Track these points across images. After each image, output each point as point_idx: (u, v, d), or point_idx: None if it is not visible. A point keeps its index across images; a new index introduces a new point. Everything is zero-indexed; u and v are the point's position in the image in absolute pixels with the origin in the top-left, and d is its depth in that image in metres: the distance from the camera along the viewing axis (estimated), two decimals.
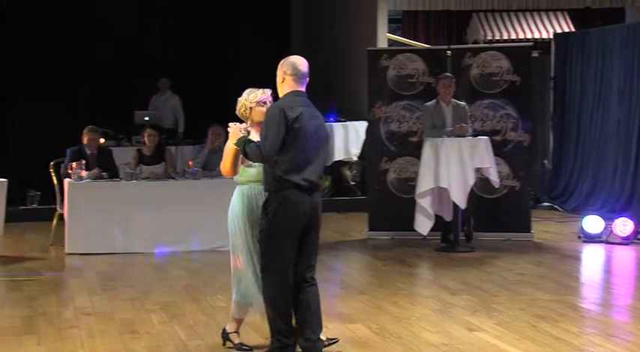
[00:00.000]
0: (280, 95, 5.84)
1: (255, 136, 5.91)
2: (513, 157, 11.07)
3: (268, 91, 6.11)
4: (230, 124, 5.91)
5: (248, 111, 6.09)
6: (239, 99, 6.17)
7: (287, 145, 5.58)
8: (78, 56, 15.08)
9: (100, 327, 6.94)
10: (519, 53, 11.40)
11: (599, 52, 13.37)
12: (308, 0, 17.32)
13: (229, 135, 5.91)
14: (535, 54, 12.83)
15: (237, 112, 6.16)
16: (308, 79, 5.83)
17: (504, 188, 10.93)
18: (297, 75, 5.77)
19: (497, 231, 10.86)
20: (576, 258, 10.04)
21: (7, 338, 6.64)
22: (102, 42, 15.12)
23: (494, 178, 10.35)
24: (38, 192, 12.91)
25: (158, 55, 15.51)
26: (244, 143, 5.71)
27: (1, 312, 7.51)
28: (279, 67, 5.86)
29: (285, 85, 5.80)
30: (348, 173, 14.55)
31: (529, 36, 16.25)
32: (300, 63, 5.83)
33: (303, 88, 5.80)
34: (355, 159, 14.35)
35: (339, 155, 14.28)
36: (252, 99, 6.09)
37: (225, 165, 6.07)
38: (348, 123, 14.36)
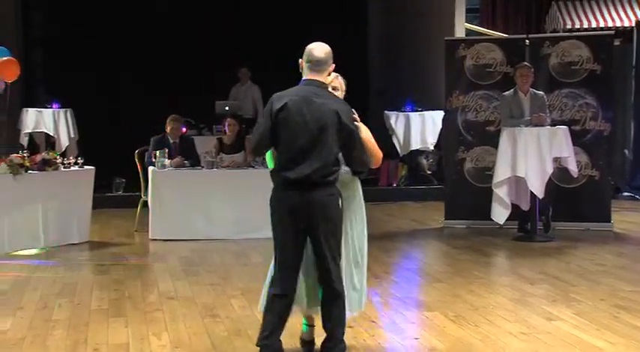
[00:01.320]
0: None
1: None
2: (593, 147, 10.91)
3: (335, 75, 5.54)
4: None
5: None
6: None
7: (277, 138, 5.19)
8: (160, 49, 15.25)
9: (182, 311, 7.01)
10: (600, 42, 11.21)
11: None
12: None
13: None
14: (616, 42, 12.59)
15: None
16: (329, 66, 5.33)
17: (583, 178, 10.79)
18: (311, 61, 5.31)
19: (576, 221, 10.72)
20: None
21: (97, 319, 6.75)
22: (184, 35, 15.27)
23: (572, 168, 10.22)
24: (123, 180, 13.11)
25: (238, 46, 15.58)
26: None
27: (91, 295, 7.64)
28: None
29: (303, 73, 5.38)
30: (424, 162, 14.49)
31: (610, 24, 15.93)
32: (316, 48, 5.33)
33: (319, 76, 5.30)
34: (432, 148, 14.29)
35: (415, 144, 14.25)
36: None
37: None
38: (425, 112, 14.29)
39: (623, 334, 6.22)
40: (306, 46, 5.28)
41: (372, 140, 5.52)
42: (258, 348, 5.18)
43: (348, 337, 5.58)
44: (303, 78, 5.33)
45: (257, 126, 5.37)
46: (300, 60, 5.35)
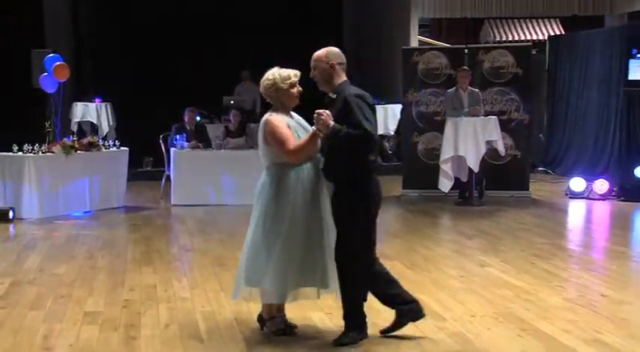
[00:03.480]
0: (331, 84, 4.63)
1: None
2: (516, 132, 10.92)
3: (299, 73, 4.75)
4: (320, 112, 4.45)
5: (277, 92, 4.67)
6: (265, 75, 4.72)
7: None
8: (179, 53, 15.19)
9: (197, 261, 7.01)
10: (521, 51, 11.22)
11: (584, 50, 13.13)
12: (357, 8, 17.18)
13: (320, 123, 4.43)
14: (533, 52, 12.60)
15: (262, 89, 4.73)
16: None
17: (509, 156, 10.80)
18: (344, 64, 4.70)
19: (503, 190, 10.74)
20: (564, 211, 9.90)
21: (132, 267, 6.75)
22: (199, 43, 15.19)
23: (501, 149, 10.23)
24: (151, 158, 13.06)
25: (240, 52, 15.52)
26: (340, 130, 4.41)
27: (127, 248, 7.64)
28: (320, 59, 4.64)
29: (335, 74, 4.62)
30: (387, 144, 14.46)
31: (529, 37, 15.97)
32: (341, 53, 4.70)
33: None
34: (392, 133, 14.26)
35: (379, 131, 14.19)
36: (286, 79, 4.67)
37: (302, 152, 4.52)
38: (387, 105, 14.24)
39: (537, 276, 6.27)
40: (309, 51, 4.72)
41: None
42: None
43: None
44: (342, 78, 4.63)
45: (360, 114, 4.43)
46: (331, 62, 4.60)
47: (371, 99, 4.58)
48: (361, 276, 4.60)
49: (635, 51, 10.49)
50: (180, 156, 10.50)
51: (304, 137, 4.56)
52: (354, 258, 4.54)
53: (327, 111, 4.46)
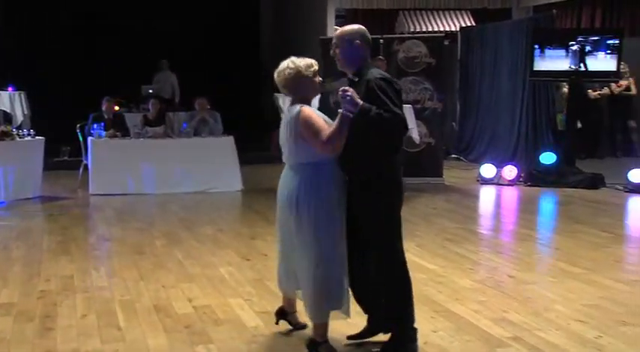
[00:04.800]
0: (354, 66, 4.13)
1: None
2: (430, 120, 11.06)
3: None
4: (346, 88, 3.86)
5: (300, 82, 4.09)
6: (284, 65, 4.13)
7: None
8: (96, 41, 14.87)
9: (116, 249, 6.88)
10: (434, 42, 11.34)
11: (492, 41, 13.41)
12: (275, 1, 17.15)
13: (347, 101, 3.82)
14: (446, 42, 12.79)
15: (280, 82, 4.13)
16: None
17: (423, 144, 10.94)
18: (369, 43, 4.18)
19: (418, 176, 10.86)
20: (476, 196, 10.12)
21: (48, 257, 6.56)
22: (117, 32, 14.90)
23: (415, 136, 10.37)
24: (68, 147, 12.72)
25: (159, 41, 15.28)
26: (370, 109, 3.85)
27: (43, 238, 7.42)
28: (344, 36, 4.12)
29: (360, 55, 4.13)
30: None
31: (441, 28, 16.21)
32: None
33: None
34: None
35: None
36: (310, 67, 4.12)
37: (338, 140, 3.88)
38: None
39: (449, 259, 6.40)
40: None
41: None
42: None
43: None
44: (365, 60, 4.14)
45: (388, 99, 3.92)
46: (357, 41, 4.10)
47: (398, 84, 4.10)
48: (404, 273, 4.12)
49: (538, 45, 10.78)
50: (98, 145, 10.27)
51: (334, 123, 3.92)
52: (396, 253, 4.08)
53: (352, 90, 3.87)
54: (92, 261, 6.47)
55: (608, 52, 10.45)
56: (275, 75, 4.13)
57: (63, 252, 6.75)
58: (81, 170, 10.74)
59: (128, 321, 4.79)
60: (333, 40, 4.19)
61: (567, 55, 10.58)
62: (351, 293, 4.21)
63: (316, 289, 4.04)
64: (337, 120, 3.88)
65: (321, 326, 4.13)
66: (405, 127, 3.97)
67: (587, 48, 10.54)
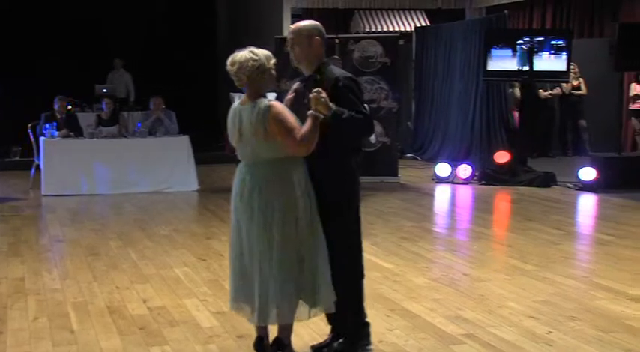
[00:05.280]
0: (314, 63, 3.99)
1: None
2: (385, 120, 11.11)
3: None
4: (320, 90, 3.75)
5: (263, 74, 3.85)
6: (246, 56, 3.83)
7: None
8: (49, 40, 14.63)
9: (69, 251, 6.77)
10: (389, 41, 11.40)
11: (446, 41, 13.51)
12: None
13: (320, 104, 3.74)
14: (401, 42, 12.87)
15: (241, 73, 3.83)
16: None
17: (379, 143, 10.98)
18: (325, 39, 4.05)
19: (374, 175, 10.92)
20: (431, 195, 10.19)
21: None
22: (70, 30, 14.69)
23: (371, 136, 10.40)
24: (20, 148, 12.49)
25: (113, 40, 15.11)
26: (343, 112, 3.80)
27: None
28: (302, 33, 3.96)
29: (320, 52, 4.01)
30: None
31: (397, 28, 16.29)
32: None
33: None
34: None
35: None
36: (270, 59, 3.89)
37: (312, 140, 3.77)
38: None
39: (405, 258, 6.43)
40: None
41: None
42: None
43: None
44: (324, 57, 4.04)
45: (357, 99, 3.93)
46: (317, 38, 3.97)
47: (361, 82, 4.07)
48: (359, 269, 4.08)
49: (490, 45, 10.91)
50: (51, 145, 10.10)
51: (306, 124, 3.76)
52: (353, 248, 4.05)
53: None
54: (44, 262, 6.36)
55: (552, 52, 10.64)
56: (233, 66, 3.83)
57: (14, 254, 6.62)
58: (33, 170, 10.54)
59: (81, 323, 4.72)
60: (290, 36, 4.00)
61: (514, 55, 10.74)
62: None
63: (288, 287, 3.82)
64: (309, 121, 3.76)
65: (290, 326, 3.98)
66: (373, 128, 3.99)
67: (534, 48, 10.69)
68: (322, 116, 3.75)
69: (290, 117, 3.80)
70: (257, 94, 3.88)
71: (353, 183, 4.02)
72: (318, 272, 3.87)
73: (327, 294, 3.89)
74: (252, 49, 3.88)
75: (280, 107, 3.82)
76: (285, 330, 3.97)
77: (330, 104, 3.77)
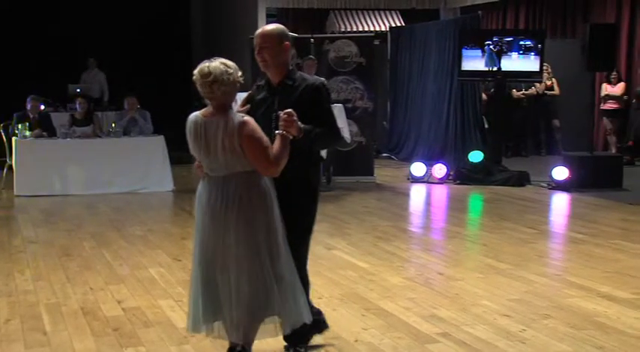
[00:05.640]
0: (284, 69, 3.93)
1: None
2: (361, 120, 11.15)
3: None
4: (290, 112, 3.65)
5: (235, 88, 3.68)
6: (221, 69, 3.62)
7: None
8: (22, 40, 14.47)
9: (42, 252, 6.70)
10: (364, 41, 11.44)
11: (421, 41, 13.57)
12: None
13: (290, 127, 3.65)
14: (376, 42, 12.88)
15: (216, 87, 3.61)
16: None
17: (354, 143, 10.99)
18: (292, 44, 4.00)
19: (349, 175, 10.94)
20: (406, 194, 10.22)
21: None
22: (43, 30, 14.54)
23: (346, 135, 10.35)
24: None
25: (87, 39, 14.98)
26: (310, 131, 3.77)
27: None
28: (272, 37, 3.86)
29: (289, 57, 3.94)
30: None
31: (372, 28, 16.34)
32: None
33: None
34: None
35: None
36: (238, 71, 3.70)
37: (283, 161, 3.66)
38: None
39: (380, 257, 6.44)
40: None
41: None
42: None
43: None
44: (291, 62, 4.01)
45: (331, 112, 3.95)
46: (287, 43, 3.89)
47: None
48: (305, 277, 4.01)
49: (464, 45, 10.98)
50: (24, 145, 10.01)
51: (276, 143, 3.65)
52: (304, 258, 4.00)
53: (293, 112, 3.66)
54: (17, 263, 6.28)
55: (521, 52, 10.74)
56: (206, 77, 3.61)
57: None
58: (5, 171, 10.42)
59: (54, 325, 4.67)
60: (258, 41, 3.85)
61: (483, 56, 10.82)
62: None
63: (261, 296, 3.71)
64: (279, 141, 3.64)
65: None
66: (341, 139, 3.90)
67: (502, 49, 10.78)
68: (291, 137, 3.67)
69: (263, 136, 3.63)
70: (225, 107, 3.67)
71: (315, 194, 4.01)
72: (296, 288, 3.78)
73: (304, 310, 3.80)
74: (223, 60, 3.67)
75: (253, 123, 3.64)
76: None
77: (300, 125, 3.68)
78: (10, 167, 10.23)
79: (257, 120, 3.70)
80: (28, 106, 10.53)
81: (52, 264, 6.21)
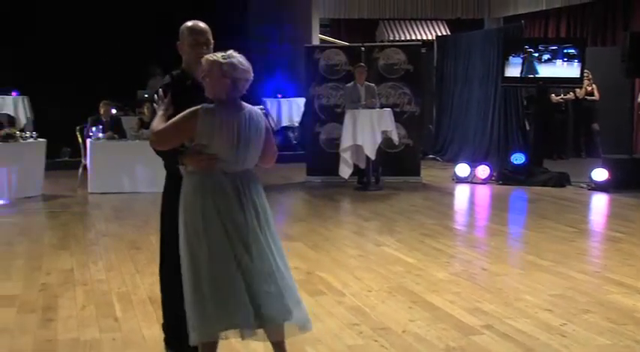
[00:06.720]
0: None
1: None
2: (408, 123, 11.11)
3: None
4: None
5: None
6: (241, 60, 3.36)
7: None
8: (96, 48, 14.79)
9: (113, 245, 6.84)
10: (412, 49, 11.39)
11: (466, 50, 13.47)
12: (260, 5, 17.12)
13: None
14: (423, 50, 12.84)
15: (249, 74, 3.37)
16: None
17: (402, 145, 10.97)
18: None
19: (397, 175, 10.91)
20: (451, 194, 10.14)
21: (49, 251, 6.53)
22: (116, 40, 14.84)
23: (395, 138, 10.39)
24: (69, 149, 12.68)
25: (152, 48, 15.23)
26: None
27: (45, 234, 7.39)
28: (210, 35, 3.66)
29: None
30: (292, 135, 14.48)
31: (419, 37, 16.26)
32: None
33: None
34: (297, 124, 14.30)
35: (285, 122, 14.26)
36: None
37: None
38: (291, 99, 14.27)
39: (426, 253, 6.40)
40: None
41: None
42: None
43: None
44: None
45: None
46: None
47: None
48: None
49: (510, 53, 10.85)
50: (97, 146, 10.23)
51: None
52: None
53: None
54: (91, 255, 6.43)
55: (565, 60, 10.57)
56: (239, 66, 3.29)
57: (63, 247, 6.70)
58: (80, 170, 10.67)
59: (124, 312, 4.77)
60: (207, 37, 3.60)
61: (524, 63, 10.69)
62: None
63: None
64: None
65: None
66: None
67: (547, 56, 10.64)
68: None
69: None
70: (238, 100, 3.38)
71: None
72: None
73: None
74: (232, 52, 3.35)
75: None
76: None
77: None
78: (85, 166, 10.47)
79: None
80: (101, 111, 10.78)
81: (122, 256, 6.34)
